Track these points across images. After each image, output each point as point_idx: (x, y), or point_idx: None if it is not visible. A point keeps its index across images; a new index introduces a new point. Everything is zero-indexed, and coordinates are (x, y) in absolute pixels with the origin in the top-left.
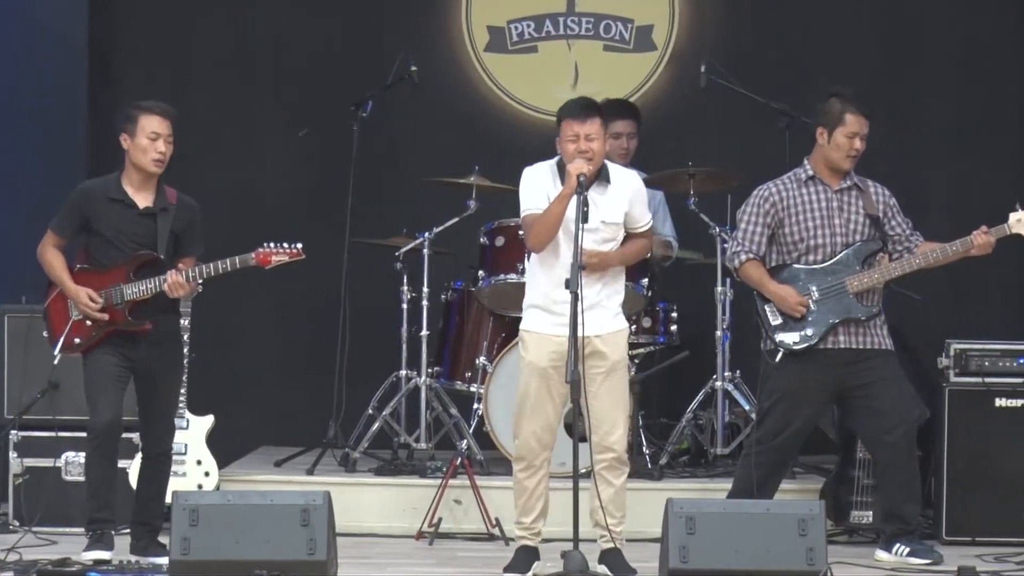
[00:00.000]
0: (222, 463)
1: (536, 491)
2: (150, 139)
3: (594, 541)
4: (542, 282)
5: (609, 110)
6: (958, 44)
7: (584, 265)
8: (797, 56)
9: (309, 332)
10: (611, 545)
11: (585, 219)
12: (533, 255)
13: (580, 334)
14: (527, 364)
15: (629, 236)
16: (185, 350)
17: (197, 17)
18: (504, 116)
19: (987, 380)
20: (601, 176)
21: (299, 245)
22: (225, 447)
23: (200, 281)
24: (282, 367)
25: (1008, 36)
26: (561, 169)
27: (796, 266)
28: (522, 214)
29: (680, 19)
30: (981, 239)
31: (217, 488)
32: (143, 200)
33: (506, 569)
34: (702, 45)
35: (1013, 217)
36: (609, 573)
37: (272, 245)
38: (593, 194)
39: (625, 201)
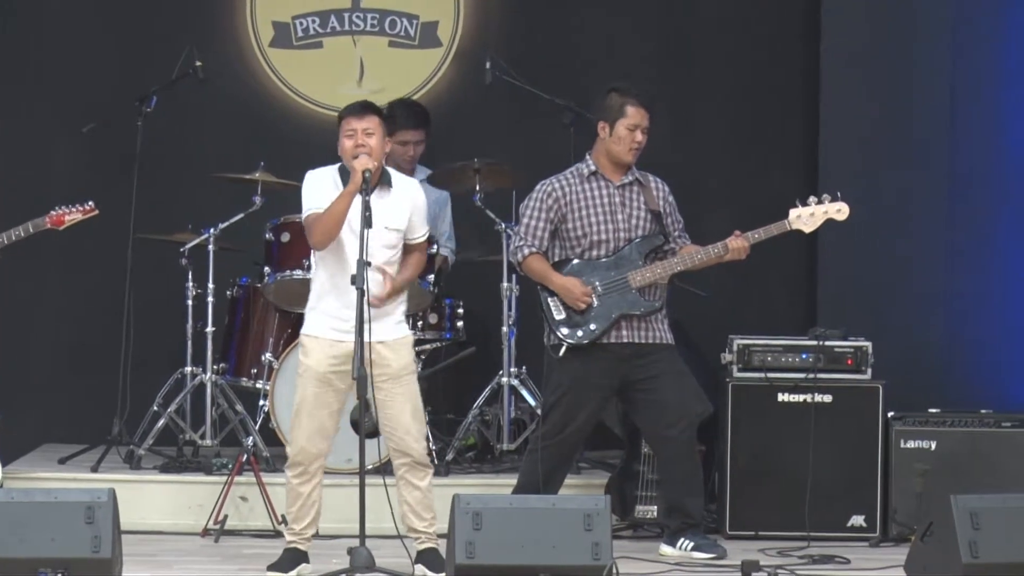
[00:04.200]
0: (5, 461)
1: (311, 497)
2: None
3: (383, 538)
4: (325, 286)
5: (399, 118)
6: (739, 39)
7: (370, 268)
8: (580, 53)
9: (93, 328)
10: (427, 545)
11: (369, 224)
12: (317, 260)
13: (368, 330)
14: (306, 369)
15: (406, 248)
16: None
17: None
18: (290, 112)
19: (769, 375)
20: (383, 180)
21: (91, 202)
22: (7, 445)
23: None
24: (65, 363)
25: (791, 29)
26: (343, 173)
27: (579, 261)
28: (304, 214)
29: (465, 16)
30: (734, 243)
31: (0, 486)
32: None
33: (270, 567)
34: (487, 41)
35: (793, 213)
36: (428, 572)
37: (64, 207)
38: (375, 198)
39: (407, 209)
